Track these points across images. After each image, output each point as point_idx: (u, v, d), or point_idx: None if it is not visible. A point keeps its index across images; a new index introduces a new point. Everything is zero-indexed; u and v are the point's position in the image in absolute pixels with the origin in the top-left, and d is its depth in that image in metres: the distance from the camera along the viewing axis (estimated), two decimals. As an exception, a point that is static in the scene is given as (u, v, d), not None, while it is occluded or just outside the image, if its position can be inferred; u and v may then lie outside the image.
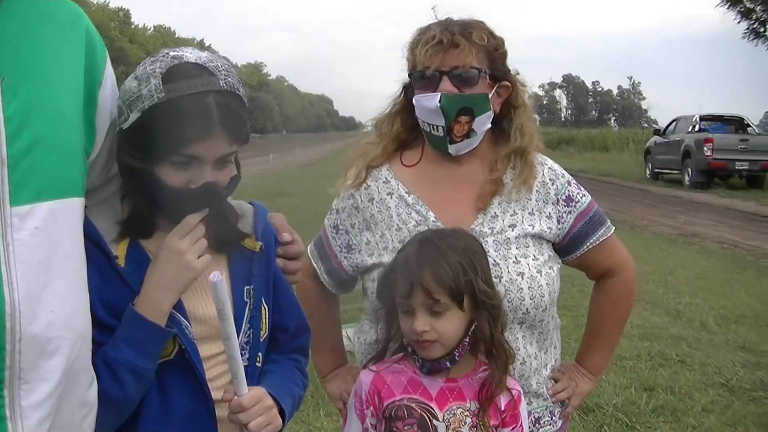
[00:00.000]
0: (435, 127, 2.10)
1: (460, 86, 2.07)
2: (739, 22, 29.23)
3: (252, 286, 1.87)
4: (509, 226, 2.12)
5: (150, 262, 1.73)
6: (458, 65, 2.05)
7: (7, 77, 1.37)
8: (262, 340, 1.89)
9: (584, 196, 2.22)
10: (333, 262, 2.29)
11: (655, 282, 9.05)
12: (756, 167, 22.19)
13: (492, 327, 1.91)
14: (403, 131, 2.27)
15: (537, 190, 2.16)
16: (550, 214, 2.16)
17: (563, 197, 2.18)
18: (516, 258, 2.08)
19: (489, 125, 2.14)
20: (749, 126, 24.82)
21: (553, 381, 2.22)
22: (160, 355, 1.70)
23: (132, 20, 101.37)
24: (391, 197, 2.19)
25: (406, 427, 1.93)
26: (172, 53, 1.69)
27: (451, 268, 1.87)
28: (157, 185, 1.68)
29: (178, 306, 1.72)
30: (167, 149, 1.65)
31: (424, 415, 1.91)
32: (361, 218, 2.23)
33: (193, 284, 1.74)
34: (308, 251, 2.34)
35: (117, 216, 1.76)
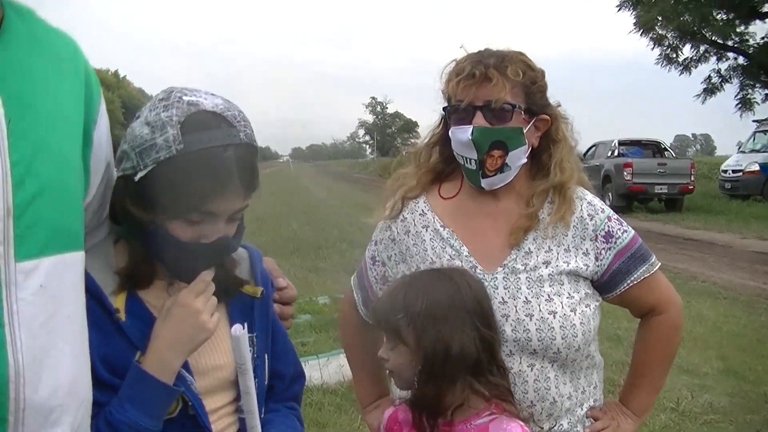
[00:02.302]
0: (468, 160, 2.05)
1: (493, 120, 2.01)
2: (652, 49, 30.39)
3: (255, 334, 1.78)
4: (543, 263, 2.05)
5: (149, 315, 1.63)
6: (491, 99, 1.99)
7: (14, 119, 1.23)
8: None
9: (625, 231, 2.14)
10: (369, 293, 2.26)
11: (592, 308, 9.04)
12: (674, 190, 22.88)
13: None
14: (441, 162, 2.22)
15: (574, 226, 2.10)
16: (587, 250, 2.09)
17: (602, 233, 2.11)
18: (549, 296, 2.01)
19: (525, 159, 2.08)
20: (666, 150, 25.61)
21: (592, 420, 2.14)
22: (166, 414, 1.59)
23: None
24: (427, 230, 2.15)
25: None
26: (186, 98, 1.56)
27: (388, 303, 1.84)
28: (165, 238, 1.58)
29: None
30: (184, 205, 1.54)
31: None
32: (398, 251, 2.19)
33: None
34: (351, 280, 2.36)
35: (110, 263, 1.64)
